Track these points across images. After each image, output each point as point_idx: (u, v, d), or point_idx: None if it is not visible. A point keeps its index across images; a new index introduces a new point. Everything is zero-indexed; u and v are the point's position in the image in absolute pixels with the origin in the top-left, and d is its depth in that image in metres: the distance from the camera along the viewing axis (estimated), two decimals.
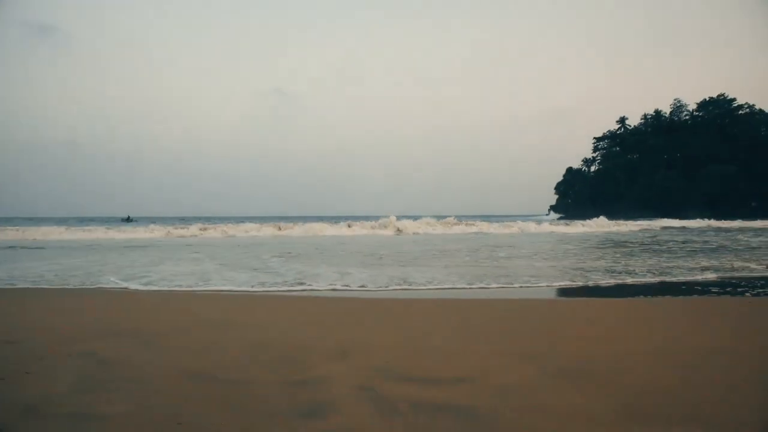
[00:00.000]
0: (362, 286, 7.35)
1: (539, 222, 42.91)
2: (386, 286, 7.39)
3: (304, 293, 6.91)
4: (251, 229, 26.84)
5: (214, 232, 25.84)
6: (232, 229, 26.47)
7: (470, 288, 7.29)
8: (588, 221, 39.63)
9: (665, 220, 49.34)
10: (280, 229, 27.52)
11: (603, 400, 2.56)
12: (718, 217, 53.75)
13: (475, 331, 4.35)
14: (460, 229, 30.93)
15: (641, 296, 6.32)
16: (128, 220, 63.63)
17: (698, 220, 49.89)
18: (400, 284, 7.57)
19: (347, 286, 7.43)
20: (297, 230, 26.98)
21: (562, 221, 47.03)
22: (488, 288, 7.22)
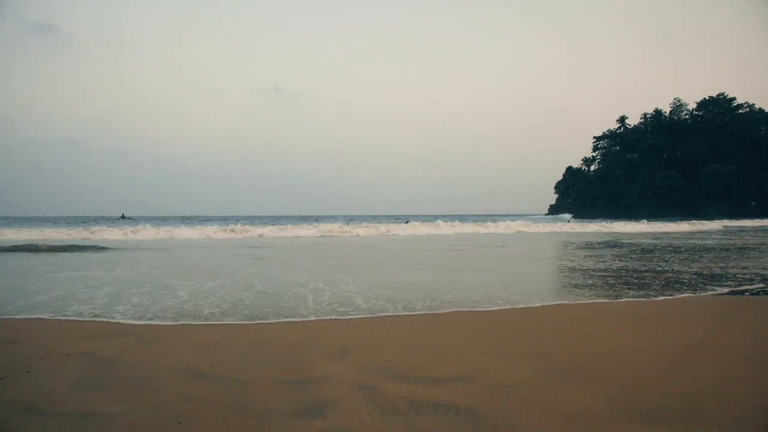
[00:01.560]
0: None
1: (558, 222, 42.17)
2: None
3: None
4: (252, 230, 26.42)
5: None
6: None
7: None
8: (633, 222, 37.79)
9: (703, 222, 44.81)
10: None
11: (602, 399, 2.56)
12: (715, 216, 53.64)
13: (475, 330, 4.36)
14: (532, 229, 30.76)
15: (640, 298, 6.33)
16: (123, 218, 64.14)
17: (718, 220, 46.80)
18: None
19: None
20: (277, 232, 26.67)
21: (582, 222, 45.22)
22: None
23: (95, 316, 5.13)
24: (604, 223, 36.90)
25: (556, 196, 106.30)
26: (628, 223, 37.65)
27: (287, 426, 2.27)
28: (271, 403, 2.56)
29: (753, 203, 70.75)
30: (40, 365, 3.26)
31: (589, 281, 7.71)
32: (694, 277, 8.20)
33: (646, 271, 9.06)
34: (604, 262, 10.91)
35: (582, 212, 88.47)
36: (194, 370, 3.12)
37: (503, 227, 30.62)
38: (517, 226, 31.13)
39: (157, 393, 2.71)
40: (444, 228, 29.47)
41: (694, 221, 41.12)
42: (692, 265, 10.13)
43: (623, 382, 2.84)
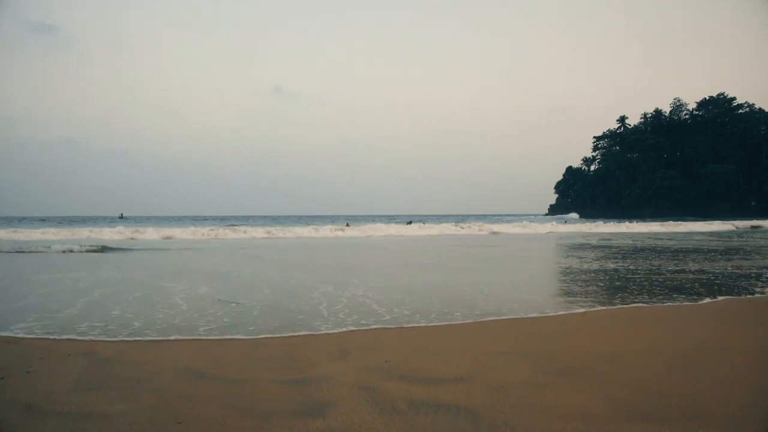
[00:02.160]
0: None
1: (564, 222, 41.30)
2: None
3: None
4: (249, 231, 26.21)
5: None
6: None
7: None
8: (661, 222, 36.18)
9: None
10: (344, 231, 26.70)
11: (602, 399, 2.56)
12: (717, 217, 53.51)
13: (475, 330, 4.36)
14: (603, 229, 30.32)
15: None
16: (122, 218, 64.82)
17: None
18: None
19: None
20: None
21: (595, 222, 43.02)
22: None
23: (55, 334, 4.20)
24: (626, 223, 35.68)
25: (556, 196, 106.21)
26: (648, 223, 36.44)
27: (287, 426, 2.27)
28: (271, 403, 2.56)
29: (753, 203, 70.64)
30: (40, 365, 3.26)
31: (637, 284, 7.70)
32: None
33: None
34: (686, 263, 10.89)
35: (582, 212, 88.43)
36: (194, 370, 3.12)
37: (536, 227, 30.44)
38: (549, 227, 31.26)
39: (157, 393, 2.71)
40: (472, 228, 28.98)
41: (720, 221, 39.94)
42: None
43: (623, 382, 2.83)
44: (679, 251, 13.77)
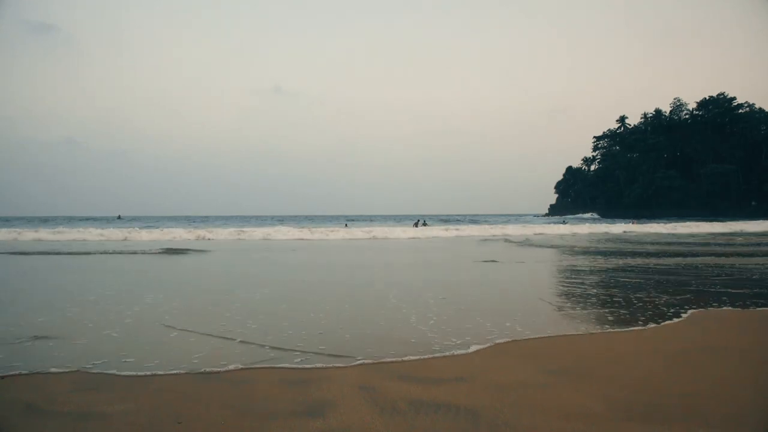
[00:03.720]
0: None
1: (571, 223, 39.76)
2: None
3: None
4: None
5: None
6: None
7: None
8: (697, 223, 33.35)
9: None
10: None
11: (602, 399, 2.56)
12: (717, 217, 53.46)
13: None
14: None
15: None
16: (120, 218, 65.17)
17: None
18: None
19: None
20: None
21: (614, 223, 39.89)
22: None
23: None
24: (657, 224, 33.16)
25: (556, 196, 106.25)
26: (690, 223, 34.12)
27: (287, 426, 2.27)
28: (271, 403, 2.56)
29: (753, 203, 70.61)
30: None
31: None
32: None
33: None
34: None
35: (584, 212, 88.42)
36: (194, 370, 3.12)
37: (611, 227, 29.23)
38: (622, 227, 29.99)
39: (157, 393, 2.71)
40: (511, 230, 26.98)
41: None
42: None
43: (623, 382, 2.83)
44: None
